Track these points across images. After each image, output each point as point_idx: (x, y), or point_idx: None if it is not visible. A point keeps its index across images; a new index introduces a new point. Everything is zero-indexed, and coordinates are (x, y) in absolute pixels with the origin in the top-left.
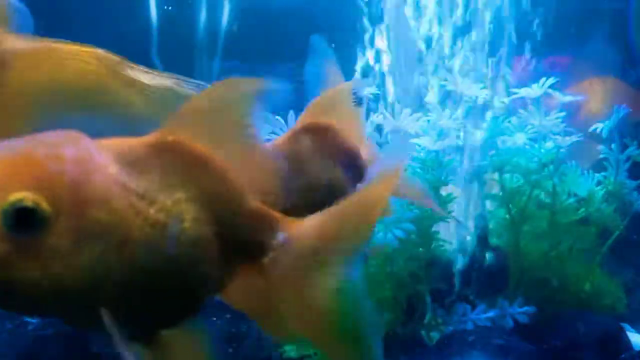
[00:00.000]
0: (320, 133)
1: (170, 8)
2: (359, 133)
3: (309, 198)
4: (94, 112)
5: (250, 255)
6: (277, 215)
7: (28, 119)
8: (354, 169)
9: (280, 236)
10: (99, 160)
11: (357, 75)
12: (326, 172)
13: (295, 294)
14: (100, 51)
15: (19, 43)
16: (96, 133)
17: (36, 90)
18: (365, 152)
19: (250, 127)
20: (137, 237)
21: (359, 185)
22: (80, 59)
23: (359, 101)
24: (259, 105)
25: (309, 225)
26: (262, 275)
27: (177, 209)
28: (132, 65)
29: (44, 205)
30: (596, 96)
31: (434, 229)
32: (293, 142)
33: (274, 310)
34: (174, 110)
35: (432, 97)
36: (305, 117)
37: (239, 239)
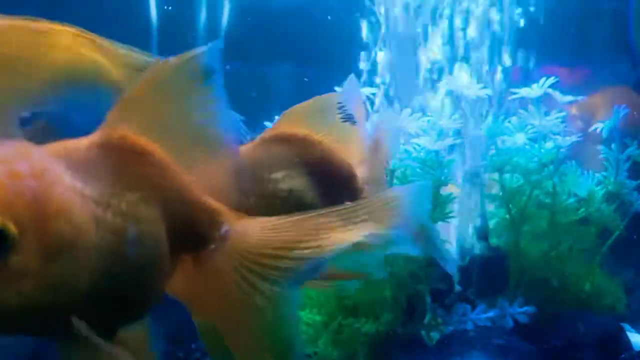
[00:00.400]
0: (290, 142)
1: (170, 8)
2: (350, 148)
3: (268, 205)
4: (76, 86)
5: (193, 246)
6: (224, 209)
7: None
8: (333, 182)
9: (223, 229)
10: (54, 171)
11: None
12: (289, 181)
13: (222, 288)
14: (72, 28)
15: None
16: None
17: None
18: (364, 170)
19: (196, 112)
20: (99, 245)
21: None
22: (53, 34)
23: (348, 116)
24: (205, 85)
25: (256, 224)
26: (199, 266)
27: (132, 211)
28: (106, 40)
29: (10, 227)
30: (609, 105)
31: None
32: (260, 149)
33: (200, 301)
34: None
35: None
36: (278, 125)
37: (184, 231)
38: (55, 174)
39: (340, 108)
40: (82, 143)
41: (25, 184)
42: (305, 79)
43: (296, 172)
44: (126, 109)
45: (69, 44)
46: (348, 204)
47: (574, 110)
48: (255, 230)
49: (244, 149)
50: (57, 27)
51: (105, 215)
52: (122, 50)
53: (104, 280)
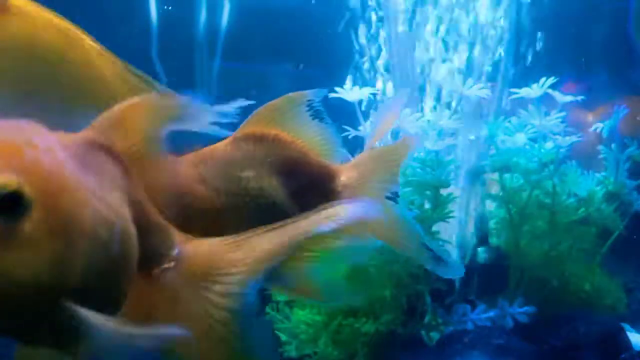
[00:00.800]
0: (261, 141)
1: (170, 8)
2: (319, 147)
3: (238, 203)
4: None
5: (147, 264)
6: (174, 230)
7: None
8: (304, 182)
9: (176, 250)
10: (62, 152)
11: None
12: (260, 180)
13: (174, 307)
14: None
15: None
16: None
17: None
18: (352, 172)
19: (157, 143)
20: (91, 233)
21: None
22: (55, 28)
23: (317, 113)
24: (174, 123)
25: (205, 247)
26: (149, 285)
27: (118, 210)
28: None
29: (27, 190)
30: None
31: (434, 229)
32: (231, 148)
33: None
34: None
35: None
36: (249, 124)
37: (144, 247)
38: (64, 155)
39: (309, 106)
40: (76, 137)
41: (42, 155)
42: (300, 65)
43: (267, 171)
44: (108, 122)
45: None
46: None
47: (590, 117)
48: (203, 251)
49: (215, 147)
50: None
51: (100, 206)
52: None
53: (89, 272)
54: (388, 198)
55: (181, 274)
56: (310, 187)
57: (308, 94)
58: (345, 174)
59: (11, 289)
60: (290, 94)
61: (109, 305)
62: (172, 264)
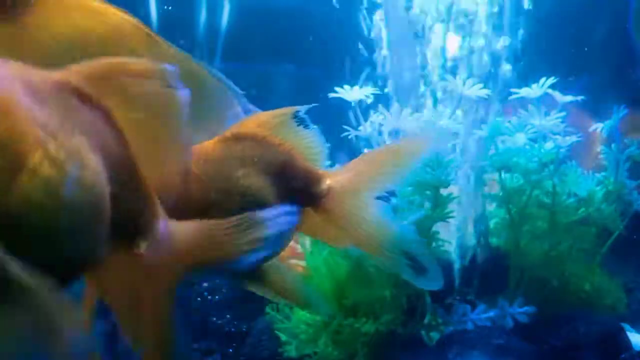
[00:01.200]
0: (250, 141)
1: (170, 8)
2: (307, 154)
3: (227, 201)
4: None
5: (128, 234)
6: (161, 207)
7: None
8: (290, 183)
9: (160, 226)
10: (13, 80)
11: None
12: (247, 179)
13: (146, 284)
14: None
15: None
16: None
17: (58, 41)
18: (341, 178)
19: (169, 118)
20: (33, 168)
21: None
22: (111, 16)
23: (305, 124)
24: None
25: (183, 227)
26: (129, 261)
27: (77, 153)
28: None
29: None
30: None
31: (434, 229)
32: (220, 147)
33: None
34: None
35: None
36: (236, 126)
37: (124, 215)
38: (14, 82)
39: (297, 117)
40: (42, 73)
41: None
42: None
43: (254, 170)
44: (104, 69)
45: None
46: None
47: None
48: (182, 232)
49: (205, 146)
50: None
51: (48, 141)
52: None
53: (31, 212)
54: (380, 198)
55: (165, 253)
56: (295, 188)
57: (297, 108)
58: (332, 178)
59: None
60: (282, 108)
61: (62, 263)
62: (157, 239)
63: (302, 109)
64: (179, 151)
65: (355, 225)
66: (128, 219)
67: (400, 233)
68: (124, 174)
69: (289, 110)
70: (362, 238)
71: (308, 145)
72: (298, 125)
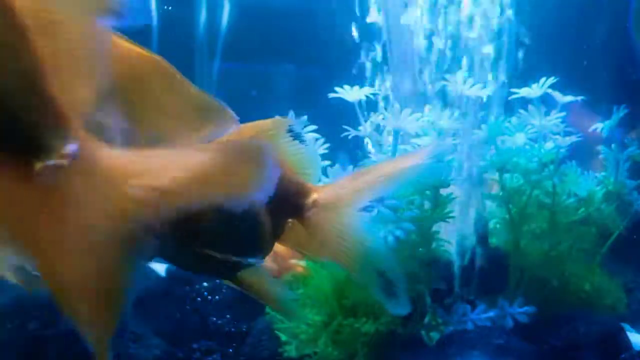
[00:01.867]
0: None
1: (170, 8)
2: (299, 167)
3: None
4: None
5: (29, 150)
6: (80, 125)
7: None
8: (275, 193)
9: (73, 146)
10: None
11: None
12: None
13: (58, 208)
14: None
15: None
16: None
17: None
18: (314, 190)
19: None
20: None
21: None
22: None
23: (297, 136)
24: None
25: (111, 153)
26: (25, 182)
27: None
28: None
29: None
30: None
31: (434, 229)
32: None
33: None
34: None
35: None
36: (234, 133)
37: (31, 121)
38: None
39: (290, 131)
40: None
41: None
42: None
43: None
44: None
45: None
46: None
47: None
48: (107, 156)
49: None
50: None
51: None
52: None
53: None
54: (366, 209)
55: (73, 171)
56: (281, 199)
57: (291, 120)
58: (319, 193)
59: None
60: (279, 118)
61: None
62: (65, 161)
63: (298, 122)
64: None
65: (335, 239)
66: (24, 130)
67: (376, 251)
68: (27, 88)
69: (286, 121)
70: (339, 252)
71: (300, 159)
72: (293, 139)
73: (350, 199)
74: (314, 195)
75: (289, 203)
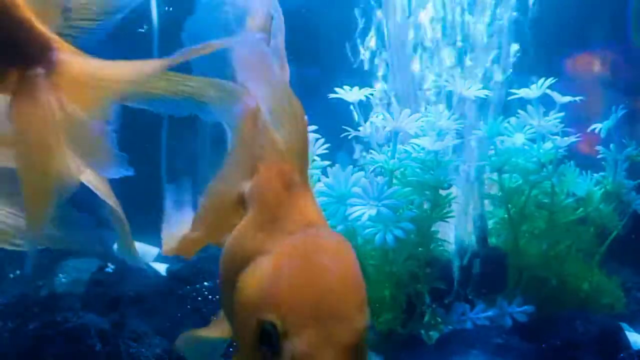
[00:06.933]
0: None
1: (170, 9)
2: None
3: None
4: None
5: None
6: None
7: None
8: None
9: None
10: None
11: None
12: None
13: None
14: None
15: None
16: None
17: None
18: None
19: None
20: None
21: None
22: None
23: None
24: None
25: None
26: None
27: None
28: None
29: None
30: None
31: (433, 228)
32: None
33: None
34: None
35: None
36: None
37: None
38: None
39: None
40: None
41: None
42: None
43: None
44: None
45: None
46: None
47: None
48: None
49: None
50: None
51: None
52: None
53: None
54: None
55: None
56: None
57: None
58: (65, 53)
59: None
60: None
61: None
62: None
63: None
64: None
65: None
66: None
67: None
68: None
69: None
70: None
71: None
72: None
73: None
74: (57, 53)
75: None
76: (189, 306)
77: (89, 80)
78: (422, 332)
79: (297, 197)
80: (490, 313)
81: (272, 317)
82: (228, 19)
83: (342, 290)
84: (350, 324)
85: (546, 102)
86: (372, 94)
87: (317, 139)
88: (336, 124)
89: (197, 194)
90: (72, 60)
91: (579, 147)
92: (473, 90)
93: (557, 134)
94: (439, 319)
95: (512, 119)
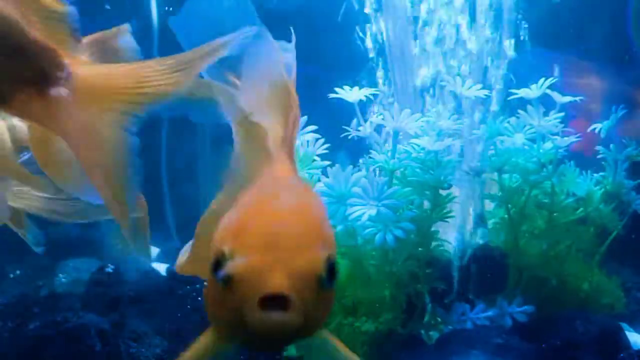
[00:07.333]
0: None
1: (170, 9)
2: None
3: None
4: None
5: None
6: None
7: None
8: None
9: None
10: None
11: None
12: None
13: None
14: None
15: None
16: None
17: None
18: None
19: None
20: None
21: None
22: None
23: None
24: None
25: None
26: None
27: None
28: None
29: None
30: None
31: (433, 228)
32: None
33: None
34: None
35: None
36: None
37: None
38: None
39: None
40: None
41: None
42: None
43: None
44: None
45: None
46: None
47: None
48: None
49: None
50: None
51: None
52: None
53: None
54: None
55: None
56: (17, 63)
57: None
58: (78, 67)
59: None
60: None
61: None
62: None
63: None
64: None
65: (81, 133)
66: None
67: (125, 164)
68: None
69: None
70: (81, 148)
71: (55, 16)
72: None
73: (118, 93)
74: (70, 68)
75: (29, 65)
76: (189, 306)
77: (106, 91)
78: (422, 331)
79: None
80: (490, 313)
81: (225, 247)
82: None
83: (296, 223)
84: (301, 254)
85: (546, 103)
86: (372, 94)
87: (317, 139)
88: (336, 124)
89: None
90: (90, 73)
91: (578, 145)
92: (473, 90)
93: (557, 134)
94: (439, 319)
95: (512, 119)
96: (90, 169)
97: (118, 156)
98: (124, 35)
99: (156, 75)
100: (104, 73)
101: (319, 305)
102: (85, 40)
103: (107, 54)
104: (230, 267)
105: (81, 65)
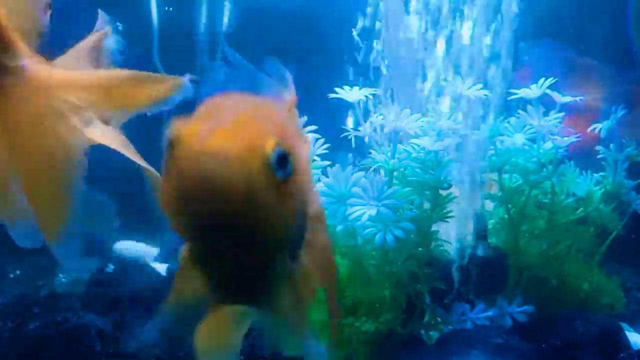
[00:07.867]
0: None
1: (170, 9)
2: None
3: None
4: None
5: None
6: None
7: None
8: None
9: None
10: None
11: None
12: None
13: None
14: None
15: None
16: None
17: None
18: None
19: None
20: None
21: None
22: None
23: None
24: None
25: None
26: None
27: None
28: None
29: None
30: None
31: (433, 228)
32: None
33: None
34: None
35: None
36: None
37: None
38: None
39: None
40: None
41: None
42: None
43: None
44: None
45: None
46: None
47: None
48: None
49: None
50: None
51: None
52: None
53: None
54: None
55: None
56: None
57: None
58: (30, 59)
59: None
60: None
61: None
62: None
63: None
64: None
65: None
66: None
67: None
68: None
69: None
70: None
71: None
72: None
73: (68, 93)
74: (26, 61)
75: None
76: None
77: (56, 90)
78: (422, 331)
79: None
80: (490, 313)
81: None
82: None
83: (248, 106)
84: (247, 128)
85: (546, 103)
86: (372, 94)
87: (317, 139)
88: (336, 124)
89: None
90: (42, 70)
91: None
92: (473, 90)
93: (557, 134)
94: (439, 319)
95: (512, 119)
96: (24, 166)
97: (60, 155)
98: (108, 38)
99: (113, 85)
100: (59, 73)
101: (271, 196)
102: (83, 45)
103: (100, 56)
104: (173, 131)
105: (39, 62)
